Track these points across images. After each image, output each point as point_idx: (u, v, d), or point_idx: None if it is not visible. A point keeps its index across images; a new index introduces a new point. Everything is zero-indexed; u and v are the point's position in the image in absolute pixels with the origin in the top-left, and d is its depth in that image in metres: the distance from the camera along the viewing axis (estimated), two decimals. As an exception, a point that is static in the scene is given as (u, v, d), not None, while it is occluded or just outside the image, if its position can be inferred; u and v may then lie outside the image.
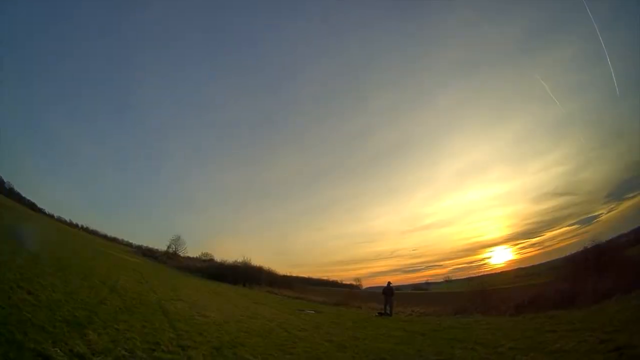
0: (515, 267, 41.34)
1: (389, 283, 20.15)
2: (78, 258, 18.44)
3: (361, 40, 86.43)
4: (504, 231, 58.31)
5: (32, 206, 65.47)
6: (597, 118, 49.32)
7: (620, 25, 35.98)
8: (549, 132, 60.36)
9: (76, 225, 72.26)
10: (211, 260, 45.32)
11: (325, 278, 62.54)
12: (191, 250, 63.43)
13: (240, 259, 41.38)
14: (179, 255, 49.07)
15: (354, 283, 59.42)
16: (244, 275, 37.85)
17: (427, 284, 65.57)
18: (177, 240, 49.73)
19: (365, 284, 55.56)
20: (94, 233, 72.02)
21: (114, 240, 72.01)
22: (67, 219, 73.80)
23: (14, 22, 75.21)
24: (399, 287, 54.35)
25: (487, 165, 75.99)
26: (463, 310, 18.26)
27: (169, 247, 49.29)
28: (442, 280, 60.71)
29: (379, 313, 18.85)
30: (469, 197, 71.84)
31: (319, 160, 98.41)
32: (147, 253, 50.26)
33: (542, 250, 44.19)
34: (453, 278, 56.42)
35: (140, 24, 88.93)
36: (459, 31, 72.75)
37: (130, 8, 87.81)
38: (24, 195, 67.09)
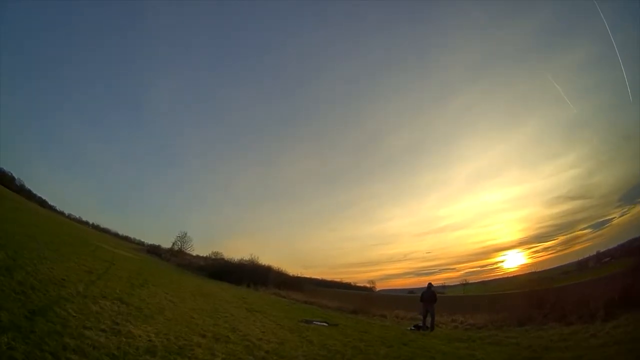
0: (529, 272, 37.47)
1: (430, 285, 14.53)
2: (34, 242, 13.84)
3: (375, 44, 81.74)
4: (517, 235, 53.37)
5: (42, 203, 62.41)
6: (610, 121, 44.59)
7: (632, 28, 31.74)
8: (561, 135, 55.10)
9: (86, 223, 68.76)
10: (218, 258, 40.51)
11: (338, 280, 57.34)
12: (203, 249, 59.26)
13: (247, 257, 36.45)
14: (185, 253, 44.45)
15: (368, 285, 54.68)
16: (250, 275, 32.86)
17: (443, 287, 60.20)
18: (183, 237, 45.10)
19: (379, 287, 50.76)
20: (105, 231, 68.54)
21: (125, 238, 68.40)
22: (77, 215, 70.55)
23: (31, 24, 73.02)
24: (413, 290, 49.06)
25: (500, 168, 70.55)
26: (528, 319, 12.79)
27: (174, 244, 44.69)
28: (458, 283, 55.65)
29: (415, 326, 13.43)
30: (482, 200, 66.50)
31: (333, 162, 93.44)
32: (152, 250, 46.03)
33: (555, 254, 39.95)
34: (470, 281, 51.41)
35: (158, 27, 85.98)
36: (470, 34, 67.90)
37: (146, 11, 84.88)
38: (35, 192, 64.16)
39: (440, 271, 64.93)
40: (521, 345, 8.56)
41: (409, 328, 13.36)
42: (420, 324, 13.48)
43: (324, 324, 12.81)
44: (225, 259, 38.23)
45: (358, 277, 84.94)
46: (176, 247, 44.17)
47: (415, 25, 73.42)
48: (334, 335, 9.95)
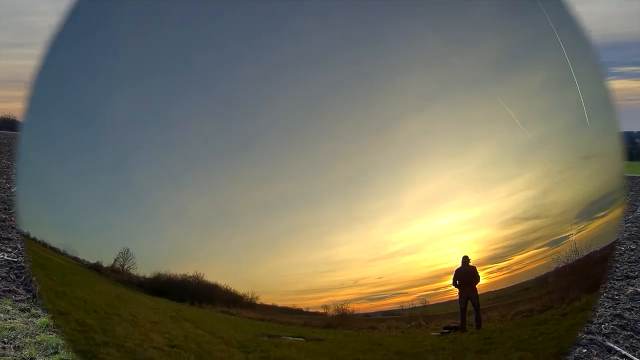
0: (485, 291, 36.80)
1: (466, 259, 7.71)
2: None
3: (321, 68, 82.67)
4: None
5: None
6: (567, 141, 47.02)
7: (587, 50, 34.67)
8: (516, 157, 56.71)
9: (34, 239, 62.89)
10: (159, 276, 36.90)
11: (290, 306, 54.18)
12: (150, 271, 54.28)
13: (190, 273, 33.19)
14: (125, 271, 40.27)
15: (321, 311, 52.13)
16: (194, 292, 29.75)
17: (402, 309, 58.70)
18: (125, 253, 41.08)
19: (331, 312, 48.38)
20: (53, 250, 63.03)
21: (74, 258, 63.09)
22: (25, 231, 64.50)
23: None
24: (369, 314, 46.29)
25: (453, 192, 70.87)
26: (593, 284, 9.60)
27: (115, 261, 40.45)
28: (418, 305, 54.40)
29: (446, 328, 7.94)
30: (434, 224, 66.12)
31: (283, 185, 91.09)
32: (93, 267, 41.64)
33: (510, 274, 39.61)
34: (430, 303, 50.55)
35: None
36: (424, 58, 70.51)
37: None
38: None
39: (392, 296, 63.23)
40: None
41: (435, 334, 8.45)
42: (458, 324, 8.54)
43: (300, 339, 7.85)
44: (168, 275, 34.73)
45: (310, 303, 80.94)
46: (117, 265, 40.05)
47: (360, 47, 75.20)
48: (338, 353, 5.04)
